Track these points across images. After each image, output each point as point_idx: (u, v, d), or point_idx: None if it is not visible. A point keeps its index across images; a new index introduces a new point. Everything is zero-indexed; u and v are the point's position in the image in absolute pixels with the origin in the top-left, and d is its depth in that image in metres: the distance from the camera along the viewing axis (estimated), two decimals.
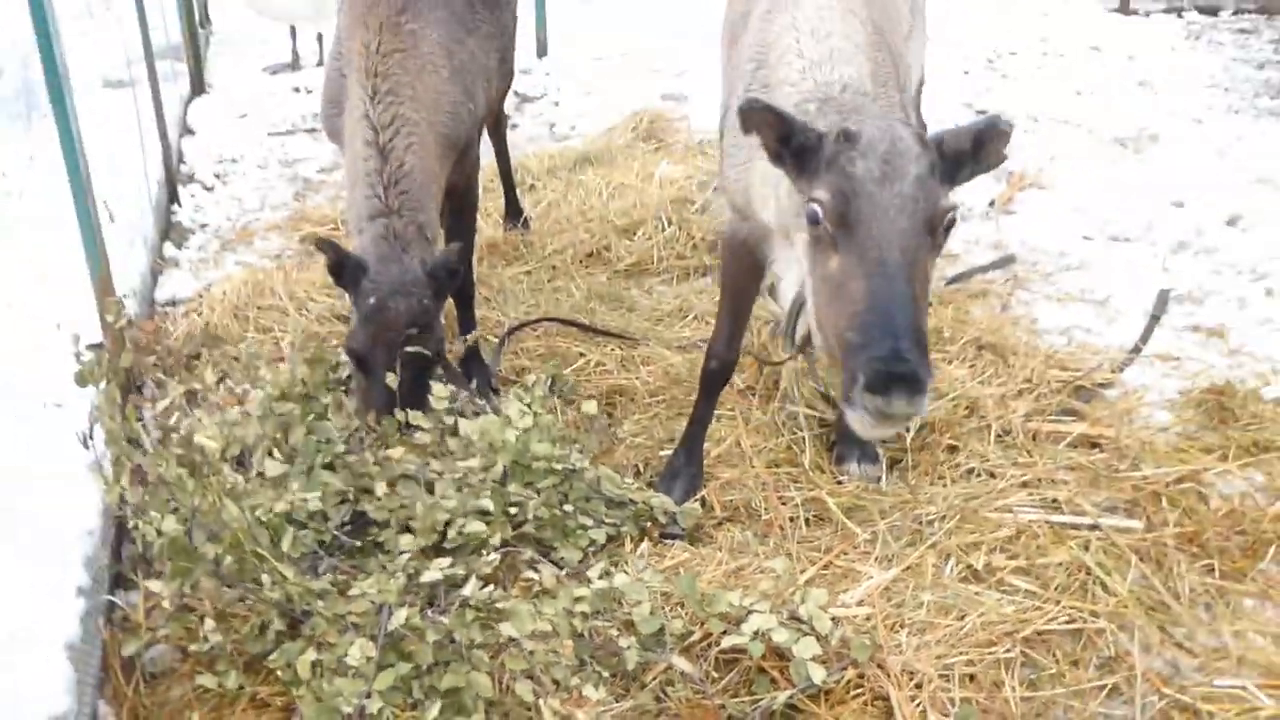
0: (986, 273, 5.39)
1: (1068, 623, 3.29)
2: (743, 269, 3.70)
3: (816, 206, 2.64)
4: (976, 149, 2.68)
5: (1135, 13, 9.72)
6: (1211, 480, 3.86)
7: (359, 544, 3.45)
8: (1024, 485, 3.84)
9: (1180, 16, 9.81)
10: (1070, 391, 4.36)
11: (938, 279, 5.33)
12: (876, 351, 2.44)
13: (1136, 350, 4.67)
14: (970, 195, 6.26)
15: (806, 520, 3.76)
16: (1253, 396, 4.21)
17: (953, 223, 2.63)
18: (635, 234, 5.77)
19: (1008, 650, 3.19)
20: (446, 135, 4.05)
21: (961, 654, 3.18)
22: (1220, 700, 3.05)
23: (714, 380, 3.93)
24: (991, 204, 6.17)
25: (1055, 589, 3.40)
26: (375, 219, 3.76)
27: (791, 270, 3.12)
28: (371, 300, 3.60)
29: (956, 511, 3.72)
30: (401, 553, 3.36)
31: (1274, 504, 3.72)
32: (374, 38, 3.96)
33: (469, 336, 4.44)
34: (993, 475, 3.90)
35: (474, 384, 4.36)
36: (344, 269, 3.65)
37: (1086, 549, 3.55)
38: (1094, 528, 3.64)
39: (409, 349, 3.57)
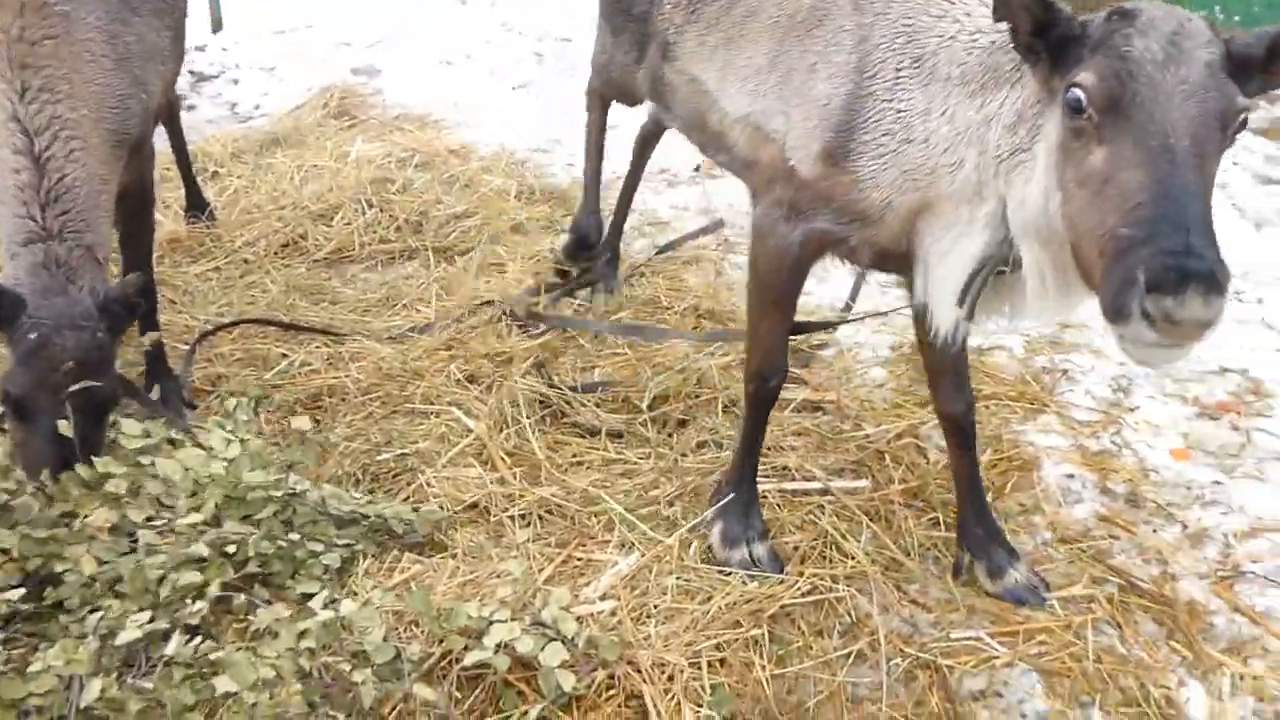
0: (697, 239, 5.36)
1: (810, 592, 3.26)
2: (803, 275, 3.24)
3: (1079, 92, 2.29)
4: (1270, 59, 2.33)
5: None
6: (929, 433, 3.96)
7: (40, 607, 3.00)
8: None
9: None
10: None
11: (649, 247, 5.27)
12: (1165, 244, 2.07)
13: (847, 308, 4.75)
14: (676, 161, 6.24)
15: (541, 516, 3.58)
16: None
17: (1244, 125, 2.29)
18: (333, 219, 5.40)
19: (756, 627, 3.13)
20: (115, 133, 3.53)
21: (710, 638, 3.09)
22: (958, 653, 3.10)
23: (774, 399, 3.41)
24: (697, 169, 6.16)
25: (795, 558, 3.38)
26: (31, 244, 3.23)
27: (964, 241, 2.78)
28: (32, 338, 3.08)
29: (692, 487, 3.64)
30: (93, 610, 2.95)
31: (984, 452, 3.83)
32: (15, 21, 3.37)
33: (148, 339, 3.96)
34: (722, 447, 3.85)
35: (162, 401, 3.92)
36: None
37: (821, 514, 3.55)
38: (825, 492, 3.65)
39: (80, 389, 3.10)
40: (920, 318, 3.14)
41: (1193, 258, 2.04)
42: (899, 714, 2.95)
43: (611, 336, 4.40)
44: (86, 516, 3.06)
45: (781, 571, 3.32)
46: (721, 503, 3.42)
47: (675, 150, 6.29)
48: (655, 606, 3.19)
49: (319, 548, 3.27)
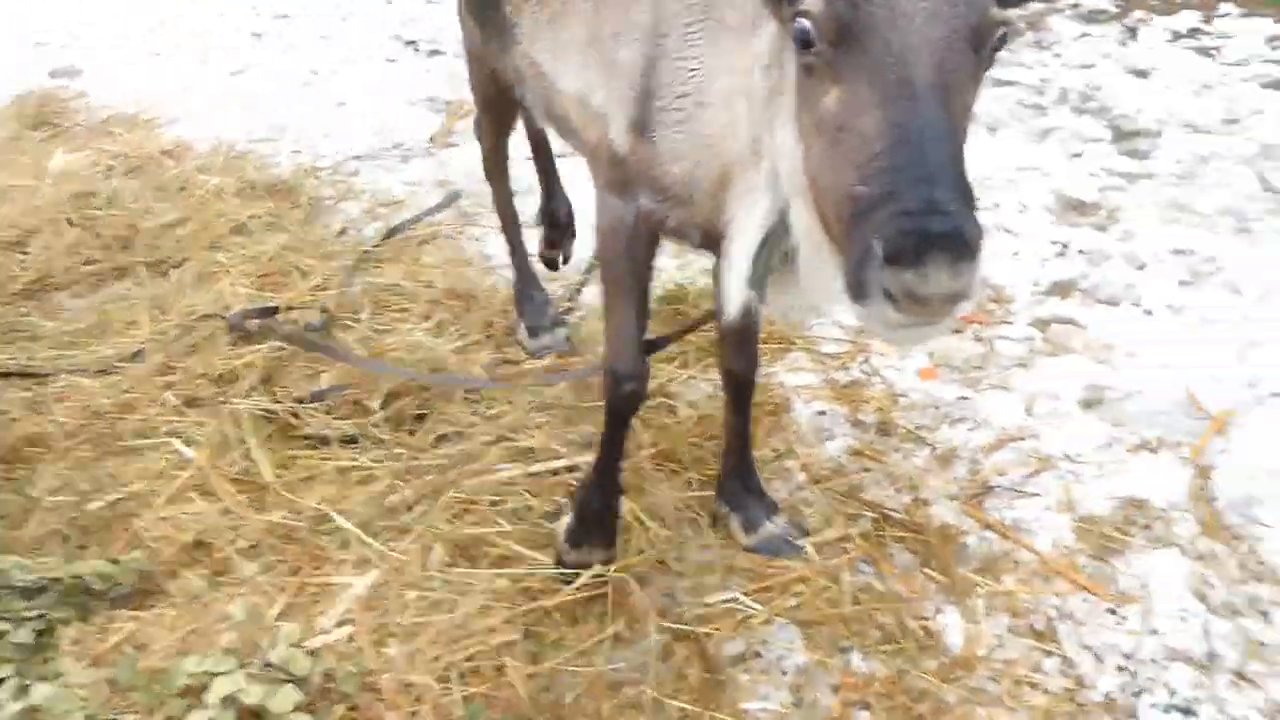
0: (434, 215, 5.09)
1: (563, 581, 3.10)
2: (645, 257, 2.86)
3: (806, 22, 1.87)
4: None
5: None
6: (678, 390, 3.83)
7: None
8: (498, 440, 3.60)
9: None
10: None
11: (381, 229, 4.98)
12: (902, 203, 1.68)
13: (592, 267, 4.57)
14: (407, 135, 5.95)
15: (270, 544, 3.30)
16: (704, 295, 4.22)
17: (1004, 40, 1.90)
18: (29, 246, 4.91)
19: (509, 630, 2.95)
20: None
21: (459, 649, 2.90)
22: (717, 618, 2.99)
23: (629, 407, 3.04)
24: (431, 139, 5.88)
25: (547, 549, 3.20)
26: None
27: (752, 211, 2.39)
28: None
29: (431, 487, 3.42)
30: None
31: None
32: None
33: None
34: (465, 437, 3.63)
35: None
36: None
37: (569, 494, 3.38)
38: (572, 469, 3.48)
39: None
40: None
41: (936, 217, 1.66)
42: (661, 693, 2.82)
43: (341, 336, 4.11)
44: None
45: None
46: (574, 510, 3.20)
47: (405, 122, 6.02)
48: (398, 624, 2.98)
49: (5, 626, 2.93)
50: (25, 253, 4.87)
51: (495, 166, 4.23)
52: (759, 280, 2.45)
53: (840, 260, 1.84)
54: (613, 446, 3.14)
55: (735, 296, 2.48)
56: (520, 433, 3.63)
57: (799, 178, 2.08)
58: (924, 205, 1.67)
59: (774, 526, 3.25)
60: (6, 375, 4.07)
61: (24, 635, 2.95)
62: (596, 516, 3.17)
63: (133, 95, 6.63)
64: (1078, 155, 5.76)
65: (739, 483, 3.32)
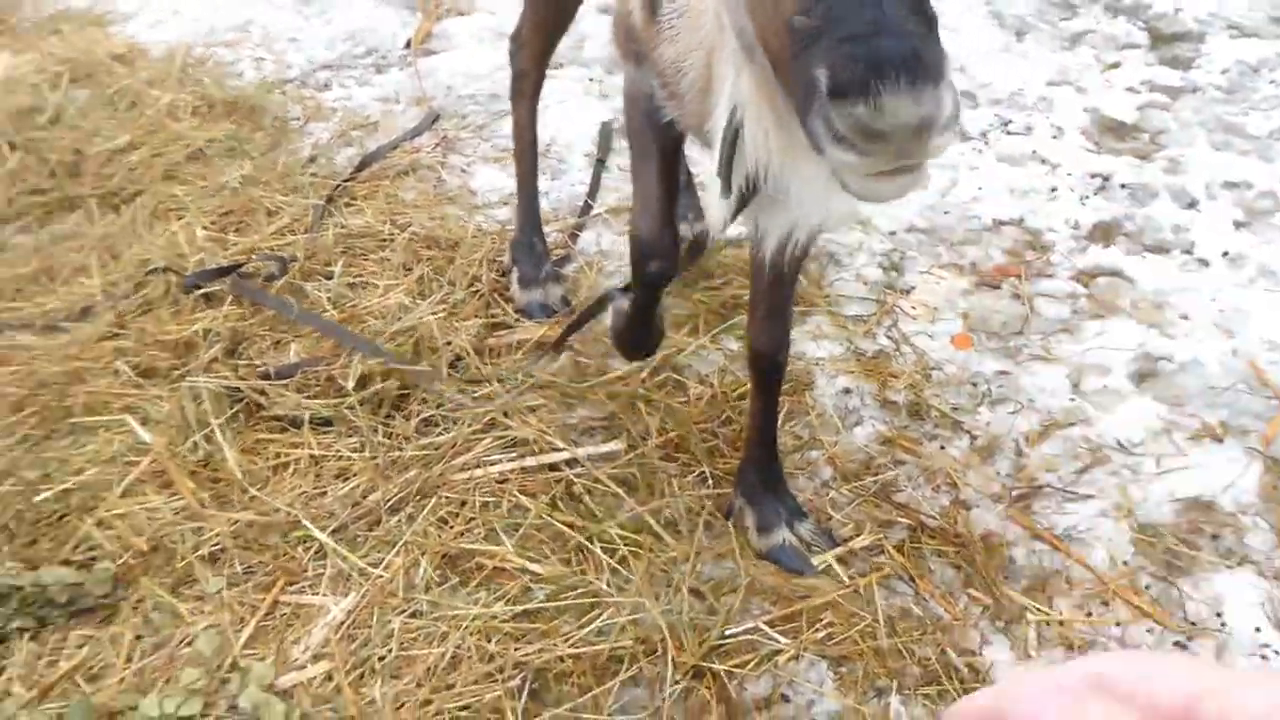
0: (411, 140, 4.61)
1: (565, 598, 2.77)
2: (659, 133, 2.65)
3: None
4: None
5: None
6: (687, 361, 3.45)
7: None
8: (488, 427, 3.23)
9: None
10: None
11: (354, 157, 4.49)
12: (846, 27, 1.44)
13: (587, 208, 4.14)
14: (383, 39, 5.41)
15: (238, 551, 2.96)
16: (715, 248, 3.81)
17: None
18: None
19: (505, 661, 2.64)
20: None
21: (451, 690, 2.59)
22: (738, 651, 2.68)
23: (658, 283, 2.90)
24: (407, 45, 5.34)
25: (548, 561, 2.87)
26: None
27: (721, 102, 2.09)
28: None
29: (416, 486, 3.06)
30: None
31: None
32: None
33: None
34: (455, 423, 3.25)
35: None
36: None
37: (571, 494, 3.04)
38: (572, 463, 3.13)
39: None
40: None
41: (884, 37, 1.41)
42: None
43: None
44: None
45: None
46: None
47: (382, 26, 5.49)
48: (380, 660, 2.66)
49: None
50: None
51: (530, 84, 3.74)
52: (732, 189, 2.14)
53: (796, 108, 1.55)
54: (646, 311, 3.02)
55: (715, 211, 2.24)
56: (514, 417, 3.26)
57: (746, 25, 1.78)
58: (869, 26, 1.42)
59: (792, 534, 2.92)
60: None
61: None
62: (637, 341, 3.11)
63: None
64: (1114, 66, 5.29)
65: (758, 475, 2.99)
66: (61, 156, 4.49)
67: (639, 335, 3.10)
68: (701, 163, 3.64)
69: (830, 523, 3.00)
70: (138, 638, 2.76)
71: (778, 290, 2.79)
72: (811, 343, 3.55)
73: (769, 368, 2.89)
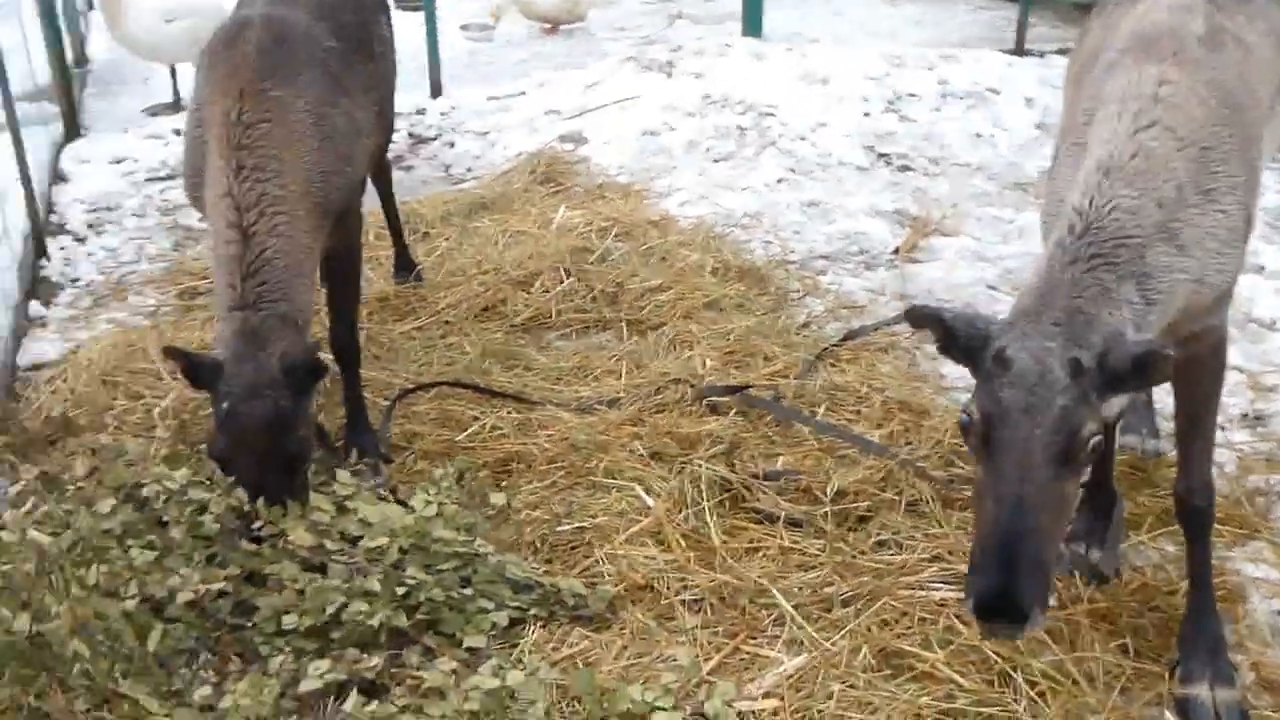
0: (890, 326, 5.27)
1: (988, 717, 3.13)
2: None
3: (966, 417, 2.61)
4: (1138, 370, 2.54)
5: (1030, 53, 9.81)
6: (1123, 551, 3.76)
7: (250, 623, 3.28)
8: (934, 559, 3.69)
9: None
10: None
11: (841, 329, 5.21)
12: (984, 582, 2.48)
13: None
14: (874, 243, 6.19)
15: (712, 604, 3.56)
16: (1162, 461, 4.13)
17: (1097, 447, 2.55)
18: (532, 286, 5.55)
19: None
20: (320, 205, 3.79)
21: None
22: None
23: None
24: (895, 251, 6.09)
25: (971, 676, 3.25)
26: (232, 311, 3.51)
27: None
28: (224, 406, 3.37)
29: (867, 589, 3.56)
30: (278, 653, 3.14)
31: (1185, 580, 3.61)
32: (235, 105, 3.68)
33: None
34: (901, 548, 3.75)
35: (360, 454, 4.12)
36: (199, 372, 3.44)
37: None
38: None
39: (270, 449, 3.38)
40: None
41: (1001, 599, 2.45)
42: None
43: (800, 426, 4.36)
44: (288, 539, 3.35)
45: None
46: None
47: (875, 232, 6.27)
48: (819, 712, 3.13)
49: (490, 605, 3.38)
50: (528, 291, 5.50)
51: None
52: None
53: None
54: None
55: None
56: (958, 556, 3.70)
57: None
58: (994, 589, 2.45)
59: (1210, 694, 3.15)
60: (504, 396, 4.63)
61: (501, 618, 3.40)
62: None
63: (627, 166, 7.31)
64: None
65: (1193, 625, 3.29)
66: (604, 287, 5.53)
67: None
68: None
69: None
70: (624, 647, 3.40)
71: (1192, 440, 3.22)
72: (1249, 563, 3.76)
73: (1194, 511, 3.25)
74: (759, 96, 8.13)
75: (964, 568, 3.56)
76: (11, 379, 4.88)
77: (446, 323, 5.31)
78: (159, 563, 3.33)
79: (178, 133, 7.81)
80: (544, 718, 3.00)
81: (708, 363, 4.84)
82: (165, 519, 3.48)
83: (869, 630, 3.42)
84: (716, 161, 7.46)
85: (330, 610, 3.25)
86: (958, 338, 2.68)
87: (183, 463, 3.60)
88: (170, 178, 7.11)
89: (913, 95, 8.36)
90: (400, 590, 3.33)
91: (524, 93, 8.71)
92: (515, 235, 6.15)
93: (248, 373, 3.41)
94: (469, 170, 7.54)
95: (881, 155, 7.63)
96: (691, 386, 4.56)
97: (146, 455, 3.85)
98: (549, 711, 3.04)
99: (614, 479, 4.12)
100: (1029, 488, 2.47)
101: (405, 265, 5.71)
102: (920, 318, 2.79)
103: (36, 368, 5.02)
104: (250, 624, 3.31)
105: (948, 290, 5.63)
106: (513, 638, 3.40)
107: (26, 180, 5.98)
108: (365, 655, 3.15)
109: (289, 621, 3.24)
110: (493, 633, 3.38)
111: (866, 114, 8.12)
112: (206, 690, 2.99)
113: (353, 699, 2.91)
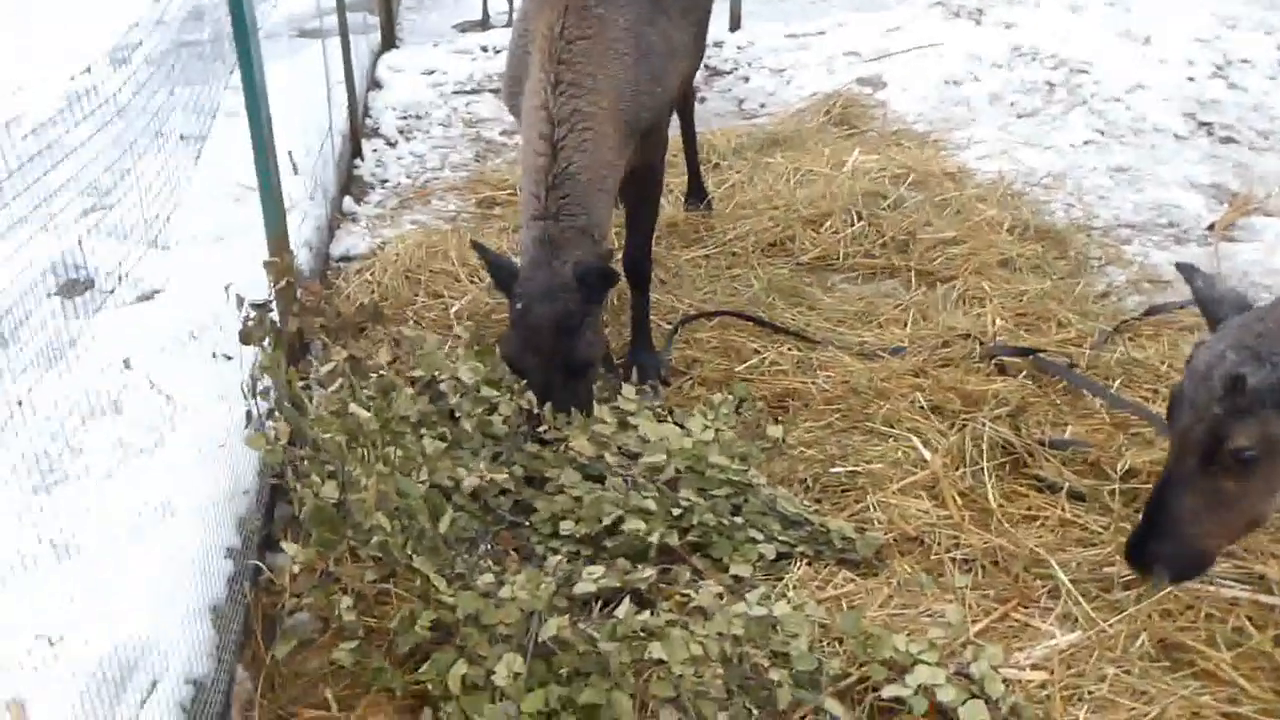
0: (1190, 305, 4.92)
1: None
2: None
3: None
4: None
5: None
6: None
7: (526, 522, 3.47)
8: (1227, 555, 3.45)
9: None
10: None
11: (1143, 304, 4.92)
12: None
13: None
14: (1186, 216, 5.80)
15: (984, 566, 3.47)
16: None
17: (1246, 460, 2.76)
18: (822, 226, 5.50)
19: None
20: (628, 123, 3.87)
21: None
22: None
23: None
24: (1210, 227, 5.69)
25: (1259, 682, 3.05)
26: (534, 221, 3.66)
27: None
28: (518, 306, 3.55)
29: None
30: (553, 554, 3.28)
31: None
32: (559, 21, 3.78)
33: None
34: None
35: (640, 375, 4.22)
36: (497, 273, 3.65)
37: None
38: None
39: (559, 351, 3.53)
40: None
41: (1134, 546, 2.95)
42: None
43: (1093, 397, 4.16)
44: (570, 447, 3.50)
45: None
46: None
47: (1188, 205, 5.87)
48: (1090, 692, 3.01)
49: (759, 536, 3.41)
50: (818, 231, 5.46)
51: None
52: None
53: None
54: None
55: None
56: (1252, 554, 3.46)
57: None
58: (1135, 536, 2.94)
59: None
60: (786, 332, 4.63)
61: (769, 550, 3.44)
62: None
63: (925, 115, 7.11)
64: None
65: None
66: (895, 234, 5.42)
67: None
68: None
69: None
70: (890, 596, 3.36)
71: None
72: None
73: None
74: (1072, 52, 7.73)
75: (1260, 568, 3.38)
76: (325, 266, 5.23)
77: (733, 254, 5.34)
78: (448, 453, 3.52)
79: (485, 49, 8.15)
80: (806, 652, 3.01)
81: (998, 321, 4.68)
82: (457, 414, 3.67)
83: (1149, 617, 3.24)
84: (1020, 117, 7.16)
85: (606, 522, 3.37)
86: None
87: (486, 356, 3.78)
88: (475, 91, 7.42)
89: (1245, 61, 7.75)
90: (675, 511, 3.41)
91: (823, 32, 8.59)
92: (807, 174, 6.10)
93: (542, 277, 3.55)
94: (762, 106, 7.52)
95: (1203, 124, 7.13)
96: (980, 344, 4.42)
97: (443, 351, 4.07)
98: (811, 647, 3.05)
99: (892, 427, 4.06)
100: (1182, 475, 2.90)
101: (697, 193, 5.76)
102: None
103: (347, 259, 5.37)
104: (527, 523, 3.47)
105: (1265, 274, 5.22)
106: (778, 571, 3.42)
107: (351, 85, 6.36)
108: (636, 567, 3.25)
109: (565, 527, 3.38)
110: (759, 563, 3.42)
111: (1190, 78, 7.59)
112: (489, 578, 3.13)
113: (625, 606, 3.00)
